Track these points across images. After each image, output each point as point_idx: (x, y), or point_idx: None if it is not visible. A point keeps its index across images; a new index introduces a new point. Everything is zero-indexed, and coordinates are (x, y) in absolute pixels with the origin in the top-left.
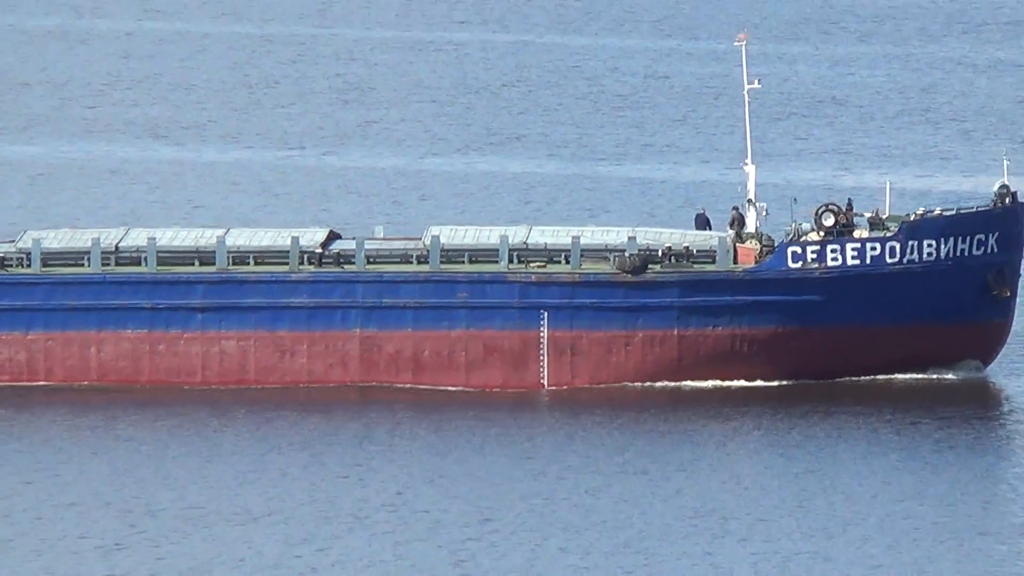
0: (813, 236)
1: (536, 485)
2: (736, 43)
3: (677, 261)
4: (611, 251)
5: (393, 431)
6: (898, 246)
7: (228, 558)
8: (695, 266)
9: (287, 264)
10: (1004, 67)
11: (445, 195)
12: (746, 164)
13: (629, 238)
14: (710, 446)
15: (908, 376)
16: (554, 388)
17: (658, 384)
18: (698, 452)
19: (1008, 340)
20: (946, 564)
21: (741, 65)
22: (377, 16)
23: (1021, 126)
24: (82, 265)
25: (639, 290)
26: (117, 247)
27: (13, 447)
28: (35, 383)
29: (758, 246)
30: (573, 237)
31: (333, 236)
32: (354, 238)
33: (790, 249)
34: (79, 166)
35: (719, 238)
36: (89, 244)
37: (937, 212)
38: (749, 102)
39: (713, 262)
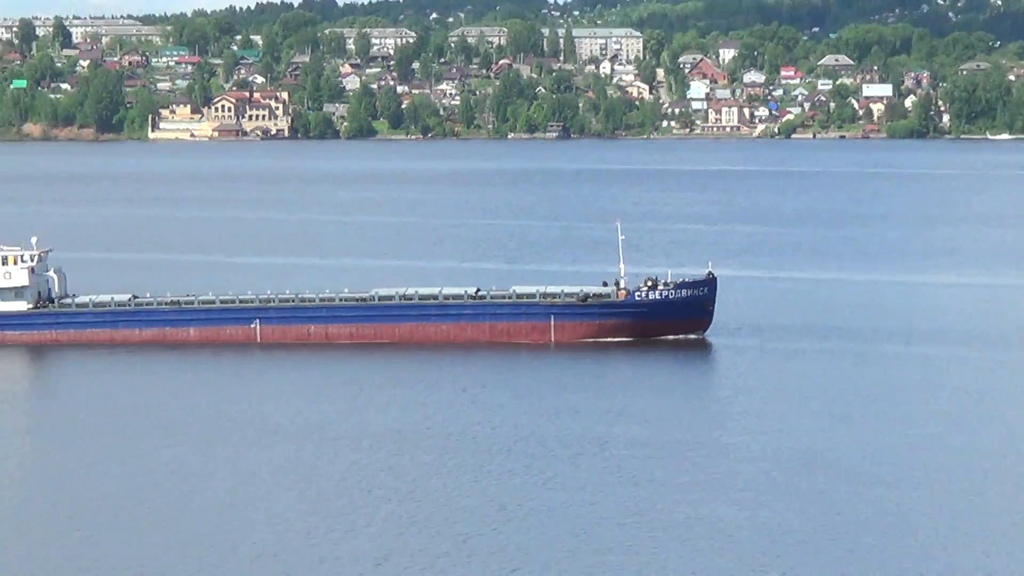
0: (644, 288)
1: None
2: (621, 234)
3: (598, 297)
4: (574, 294)
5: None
6: (675, 291)
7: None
8: (604, 299)
9: (463, 299)
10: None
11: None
12: (620, 263)
13: (580, 288)
14: (587, 365)
15: (676, 337)
16: (556, 343)
17: (588, 340)
18: (577, 370)
19: (711, 325)
20: (658, 470)
21: (617, 238)
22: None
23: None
24: (392, 300)
25: (585, 307)
26: (402, 294)
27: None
28: (346, 342)
29: (626, 292)
30: (561, 288)
31: (479, 288)
32: (487, 290)
33: (636, 293)
34: None
35: (612, 289)
36: (393, 292)
37: (689, 279)
38: (622, 242)
39: (611, 297)
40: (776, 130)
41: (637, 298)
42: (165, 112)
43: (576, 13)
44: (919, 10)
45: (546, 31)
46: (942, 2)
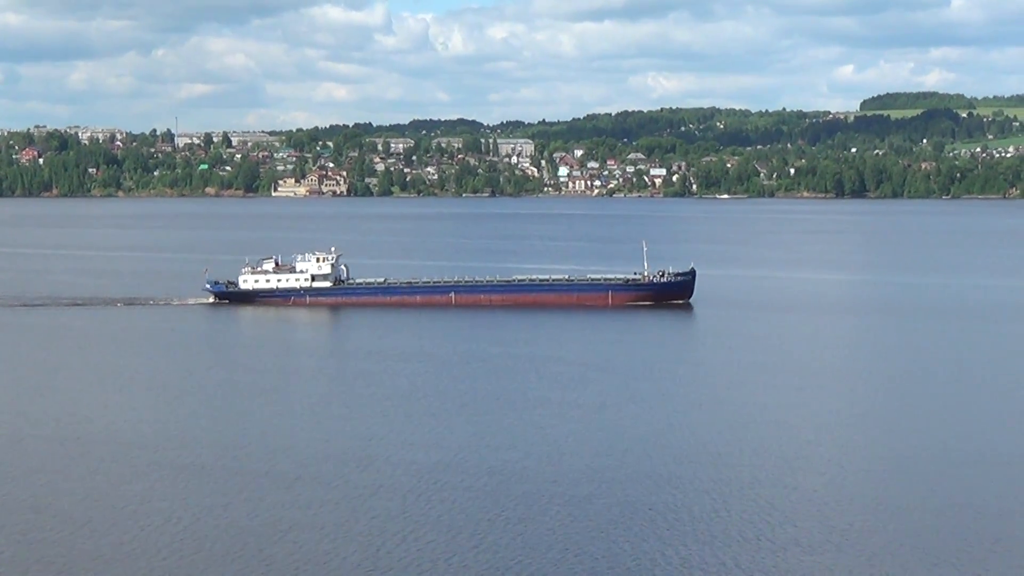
0: (658, 276)
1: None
2: (645, 246)
3: (635, 280)
4: (622, 279)
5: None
6: (675, 277)
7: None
8: (637, 281)
9: (561, 281)
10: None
11: None
12: (644, 262)
13: (625, 276)
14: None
15: (674, 302)
16: (612, 305)
17: (628, 304)
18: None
19: (693, 296)
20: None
21: (643, 248)
22: None
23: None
24: (524, 280)
25: (627, 286)
26: (529, 277)
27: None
28: (499, 304)
29: (648, 278)
30: (615, 275)
31: (568, 276)
32: (573, 276)
33: (653, 278)
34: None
35: (641, 276)
36: (524, 277)
37: (681, 271)
38: (646, 252)
39: (641, 280)
40: (605, 193)
41: (655, 281)
42: (281, 181)
43: (499, 131)
44: (679, 129)
45: (483, 140)
46: (692, 125)
